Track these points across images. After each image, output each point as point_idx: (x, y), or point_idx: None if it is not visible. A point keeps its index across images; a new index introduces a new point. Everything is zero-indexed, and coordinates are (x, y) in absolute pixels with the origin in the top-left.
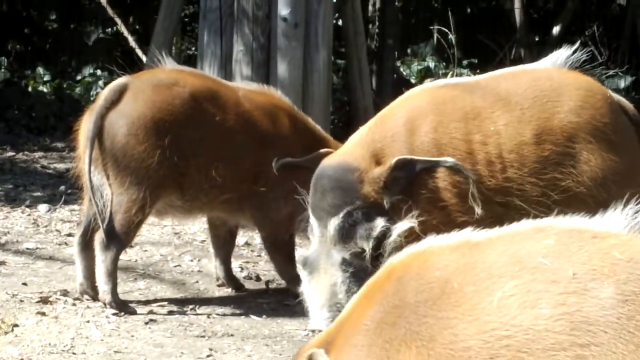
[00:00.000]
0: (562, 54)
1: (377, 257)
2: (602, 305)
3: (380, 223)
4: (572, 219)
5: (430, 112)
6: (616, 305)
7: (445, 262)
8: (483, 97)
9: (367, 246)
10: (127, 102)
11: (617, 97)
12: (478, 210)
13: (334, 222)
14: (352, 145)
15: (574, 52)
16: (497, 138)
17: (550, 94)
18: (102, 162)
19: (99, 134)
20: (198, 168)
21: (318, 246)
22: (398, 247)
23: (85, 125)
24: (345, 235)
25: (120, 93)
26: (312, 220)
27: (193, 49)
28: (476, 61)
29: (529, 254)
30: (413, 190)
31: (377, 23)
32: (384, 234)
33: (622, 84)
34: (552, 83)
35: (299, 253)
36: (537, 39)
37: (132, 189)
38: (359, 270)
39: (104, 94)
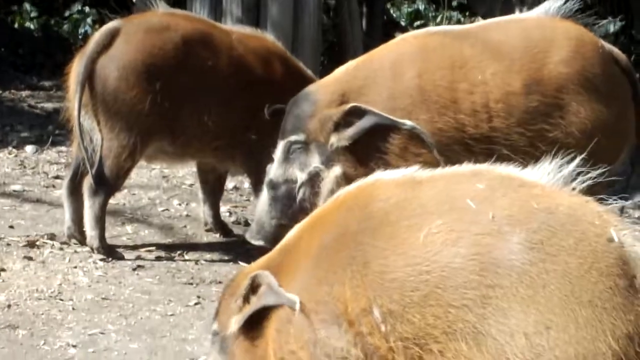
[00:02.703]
0: (554, 2)
1: (315, 194)
2: (511, 250)
3: (314, 162)
4: (508, 167)
5: (417, 58)
6: (523, 251)
7: (388, 195)
8: (472, 46)
9: (299, 178)
10: (118, 46)
11: (608, 46)
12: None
13: (280, 145)
14: (332, 78)
15: (566, 1)
16: (484, 87)
17: (540, 43)
18: (92, 107)
19: (89, 78)
20: (190, 114)
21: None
22: (335, 190)
23: (76, 69)
24: (284, 160)
25: (112, 37)
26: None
27: None
28: (466, 1)
29: (460, 195)
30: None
31: None
32: (317, 174)
33: (612, 28)
34: (543, 33)
35: None
36: None
37: (123, 135)
38: (284, 196)
39: (95, 37)
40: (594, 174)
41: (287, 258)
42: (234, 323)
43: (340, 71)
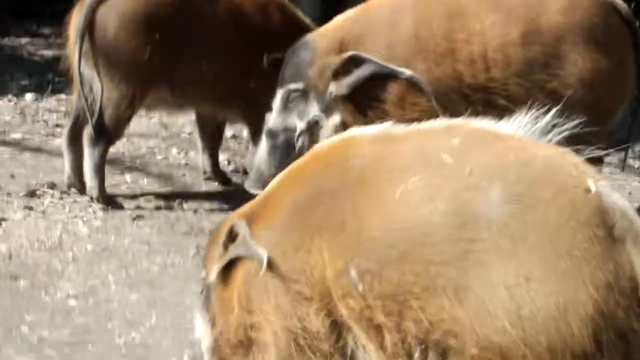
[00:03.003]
0: None
1: (314, 143)
2: (489, 203)
3: (313, 110)
4: (482, 120)
5: (414, 8)
6: (501, 204)
7: (364, 152)
8: None
9: (298, 127)
10: None
11: None
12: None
13: (279, 93)
14: (331, 27)
15: None
16: (482, 37)
17: None
18: (92, 56)
19: (89, 28)
20: (189, 63)
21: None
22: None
23: (76, 19)
24: (283, 108)
25: None
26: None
27: None
28: None
29: (435, 150)
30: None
31: None
32: (316, 123)
33: None
34: None
35: None
36: None
37: (122, 84)
38: (283, 145)
39: None
40: (589, 124)
41: (264, 208)
42: (214, 271)
43: (339, 20)
